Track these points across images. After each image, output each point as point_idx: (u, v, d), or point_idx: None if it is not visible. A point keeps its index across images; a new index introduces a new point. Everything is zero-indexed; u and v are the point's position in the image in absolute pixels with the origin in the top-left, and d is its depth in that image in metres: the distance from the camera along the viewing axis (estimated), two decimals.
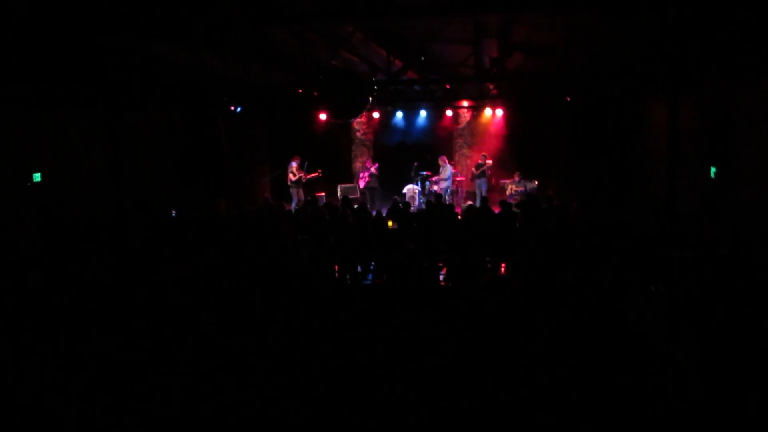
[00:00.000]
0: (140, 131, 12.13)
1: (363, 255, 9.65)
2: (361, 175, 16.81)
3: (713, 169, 10.18)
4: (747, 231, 8.77)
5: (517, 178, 15.91)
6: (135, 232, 10.08)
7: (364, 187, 16.56)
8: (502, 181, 16.41)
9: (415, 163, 16.41)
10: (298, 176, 15.56)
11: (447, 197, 16.17)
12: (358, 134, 18.56)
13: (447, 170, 15.94)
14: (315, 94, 9.71)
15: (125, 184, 11.32)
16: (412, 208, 14.70)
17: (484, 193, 15.41)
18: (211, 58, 10.52)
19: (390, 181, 17.03)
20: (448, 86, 12.87)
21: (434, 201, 12.77)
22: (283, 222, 10.13)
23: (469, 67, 12.18)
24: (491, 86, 15.20)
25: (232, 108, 14.20)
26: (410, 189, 16.30)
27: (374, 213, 11.47)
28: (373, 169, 16.57)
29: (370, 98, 10.20)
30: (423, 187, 16.35)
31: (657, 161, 12.20)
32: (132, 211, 11.09)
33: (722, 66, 9.44)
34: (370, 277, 9.47)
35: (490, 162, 16.33)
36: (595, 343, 4.55)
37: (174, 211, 11.31)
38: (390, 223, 11.95)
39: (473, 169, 16.51)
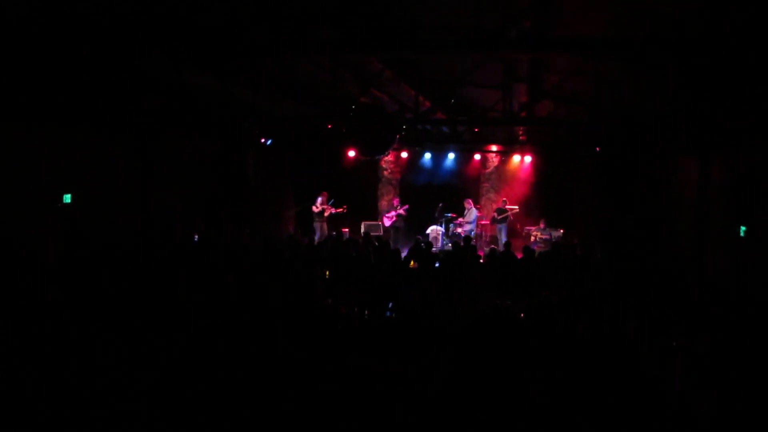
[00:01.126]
0: (171, 157, 12.36)
1: (381, 291, 9.58)
2: (389, 214, 16.81)
3: (743, 228, 9.95)
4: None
5: (542, 226, 15.76)
6: (157, 255, 10.18)
7: (390, 225, 16.56)
8: (527, 228, 16.27)
9: (440, 204, 16.39)
10: (321, 209, 15.66)
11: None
12: (385, 173, 18.68)
13: (472, 213, 15.90)
14: (343, 130, 9.80)
15: (153, 209, 11.50)
16: (434, 248, 14.68)
17: (504, 238, 15.28)
18: (243, 88, 10.76)
19: (414, 221, 17.01)
20: (476, 129, 12.90)
21: (463, 243, 12.69)
22: (302, 253, 10.13)
23: (497, 111, 12.21)
24: (520, 132, 15.22)
25: (263, 140, 14.44)
26: (434, 230, 16.25)
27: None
28: (401, 210, 16.59)
29: (398, 136, 10.23)
30: (447, 228, 16.28)
31: (687, 217, 11.98)
32: (156, 235, 11.23)
33: (754, 124, 9.32)
34: (387, 314, 9.39)
35: (512, 208, 16.24)
36: (606, 396, 4.38)
37: (196, 236, 11.40)
38: (411, 263, 11.91)
39: (494, 213, 16.45)
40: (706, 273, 10.86)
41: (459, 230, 16.01)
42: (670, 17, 6.21)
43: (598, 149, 13.62)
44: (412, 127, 14.55)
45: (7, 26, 6.44)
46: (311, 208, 15.76)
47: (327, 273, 9.96)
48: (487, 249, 14.61)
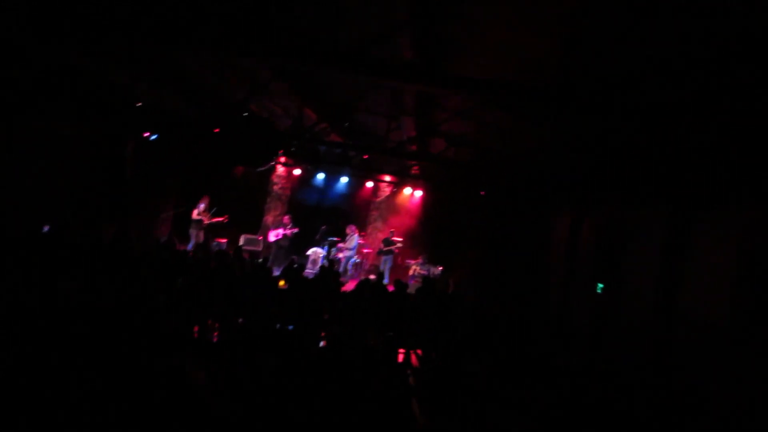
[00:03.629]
0: (37, 138, 11.34)
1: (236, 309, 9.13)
2: (276, 230, 16.27)
3: (600, 285, 10.41)
4: (624, 348, 8.88)
5: (421, 260, 15.85)
6: None
7: (274, 242, 16.05)
8: (408, 261, 16.32)
9: (323, 227, 16.13)
10: (200, 217, 14.92)
11: (350, 267, 15.90)
12: (275, 187, 18.18)
13: (353, 240, 15.74)
14: (216, 130, 9.33)
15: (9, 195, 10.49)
16: (308, 271, 14.35)
17: (387, 270, 15.22)
18: (126, 77, 10.08)
19: (300, 241, 16.61)
20: (366, 156, 12.81)
21: (327, 266, 12.44)
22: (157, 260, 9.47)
23: (392, 142, 12.20)
24: (412, 165, 15.32)
25: (147, 134, 13.61)
26: (315, 252, 15.93)
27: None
28: (289, 232, 16.13)
29: (281, 152, 9.91)
30: (329, 252, 16.02)
31: (557, 270, 12.44)
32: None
33: (619, 190, 9.83)
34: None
35: (399, 239, 16.27)
36: None
37: (46, 227, 10.40)
38: (281, 283, 11.53)
39: (381, 243, 16.39)
40: (567, 325, 11.26)
41: (340, 255, 15.80)
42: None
43: (483, 193, 13.93)
44: (305, 145, 14.29)
45: None
46: (190, 214, 14.98)
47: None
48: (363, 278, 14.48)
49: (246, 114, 9.56)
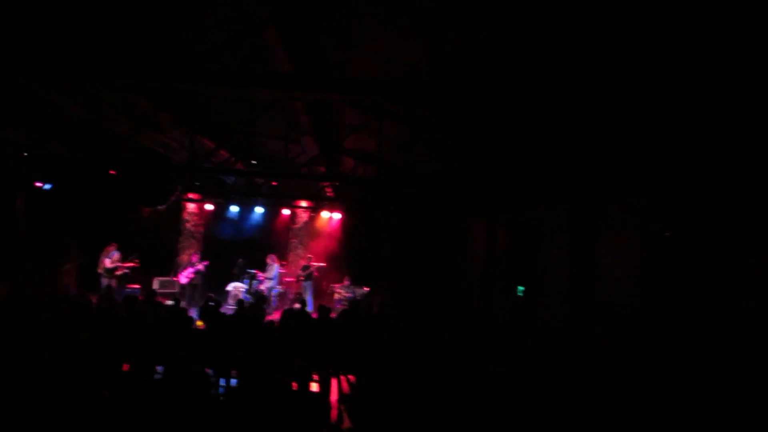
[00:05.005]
0: None
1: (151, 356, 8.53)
2: (185, 271, 15.59)
3: (521, 288, 10.42)
4: (544, 349, 8.86)
5: (346, 283, 15.56)
6: None
7: (187, 283, 15.35)
8: (332, 286, 15.98)
9: (239, 260, 15.60)
10: (114, 265, 14.10)
11: (274, 298, 15.42)
12: (187, 225, 17.47)
13: (273, 270, 15.28)
14: (111, 172, 8.79)
15: None
16: (228, 307, 13.81)
17: (309, 296, 14.84)
18: (7, 126, 9.37)
19: (218, 277, 15.97)
20: (274, 183, 12.47)
21: (252, 301, 11.99)
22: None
23: (299, 165, 11.92)
24: (326, 188, 15.09)
25: (39, 184, 12.76)
26: (235, 287, 15.35)
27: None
28: (200, 266, 15.52)
29: (179, 186, 9.44)
30: (250, 285, 15.46)
31: (478, 276, 12.42)
32: None
33: (529, 192, 9.92)
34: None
35: (316, 264, 15.94)
36: None
37: None
38: (199, 323, 10.99)
39: (300, 270, 16.01)
40: (490, 331, 11.20)
41: (262, 287, 15.28)
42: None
43: (392, 208, 13.83)
44: (207, 178, 13.80)
45: None
46: (102, 263, 14.11)
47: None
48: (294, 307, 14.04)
49: (136, 150, 9.03)
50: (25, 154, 11.05)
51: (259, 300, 12.65)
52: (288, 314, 11.43)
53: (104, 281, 14.11)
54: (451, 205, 13.08)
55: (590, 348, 7.86)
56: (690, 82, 4.61)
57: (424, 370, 8.52)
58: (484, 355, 9.72)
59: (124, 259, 14.20)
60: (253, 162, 11.63)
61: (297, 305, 14.60)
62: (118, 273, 14.18)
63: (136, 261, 14.45)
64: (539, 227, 10.12)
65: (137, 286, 14.68)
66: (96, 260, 14.20)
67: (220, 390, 7.79)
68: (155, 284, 14.97)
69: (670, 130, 5.78)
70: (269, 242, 17.25)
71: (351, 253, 16.91)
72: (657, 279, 7.04)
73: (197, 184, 13.03)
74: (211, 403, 6.37)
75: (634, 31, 4.27)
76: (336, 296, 15.41)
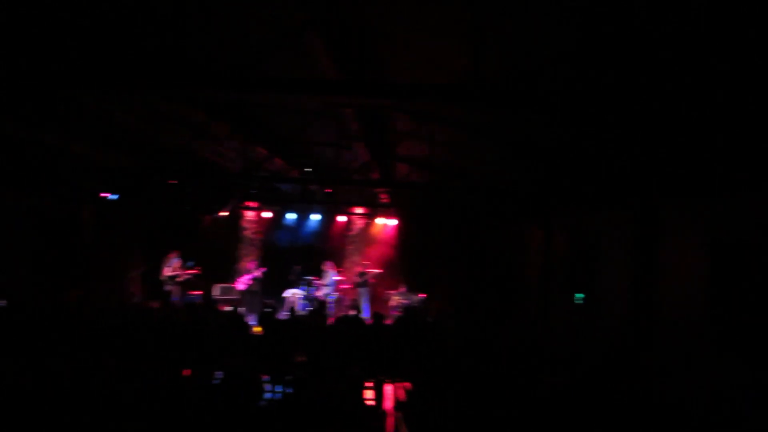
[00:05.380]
0: None
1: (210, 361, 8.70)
2: (243, 278, 15.89)
3: (579, 295, 10.11)
4: (603, 359, 8.52)
5: (402, 290, 15.48)
6: None
7: (245, 290, 15.64)
8: (388, 292, 15.92)
9: (296, 267, 15.74)
10: (175, 272, 14.53)
11: (330, 305, 15.51)
12: (246, 232, 17.80)
13: (330, 277, 15.37)
14: (170, 182, 9.05)
15: None
16: (282, 313, 13.96)
17: (365, 303, 14.85)
18: (73, 141, 9.81)
19: (276, 284, 16.20)
20: (328, 190, 12.56)
21: (317, 308, 12.13)
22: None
23: (353, 172, 11.95)
24: (381, 194, 15.09)
25: (105, 194, 13.27)
26: (292, 294, 15.51)
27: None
28: (257, 273, 15.79)
29: (236, 194, 9.62)
30: (307, 292, 15.59)
31: (535, 283, 12.14)
32: None
33: (588, 196, 9.60)
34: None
35: (372, 271, 15.92)
36: None
37: (3, 302, 9.97)
38: (257, 329, 11.15)
39: (356, 277, 16.03)
40: (547, 340, 10.89)
41: (319, 294, 15.38)
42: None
43: (447, 214, 13.68)
44: (263, 186, 14.02)
45: None
46: (163, 271, 14.57)
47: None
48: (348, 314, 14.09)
49: (194, 160, 9.27)
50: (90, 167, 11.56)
51: (321, 307, 12.76)
52: (342, 321, 11.48)
53: (167, 288, 14.55)
54: (506, 210, 12.82)
55: (653, 358, 7.51)
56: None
57: (479, 378, 8.35)
58: (541, 364, 9.45)
59: (183, 267, 14.58)
60: (307, 169, 11.74)
61: (352, 312, 14.67)
62: (180, 280, 14.58)
63: (197, 269, 14.82)
64: (598, 232, 9.79)
65: (199, 293, 15.04)
66: (159, 268, 14.67)
67: (275, 396, 7.83)
68: (216, 291, 15.33)
69: (738, 130, 5.46)
70: (326, 249, 17.37)
71: (407, 260, 16.81)
72: (726, 287, 6.65)
73: (253, 192, 13.27)
74: (265, 410, 6.43)
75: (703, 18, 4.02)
76: (392, 303, 15.35)
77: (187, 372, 8.20)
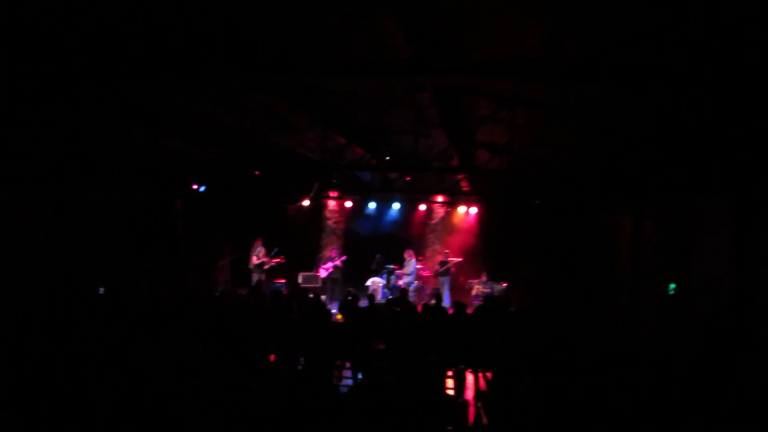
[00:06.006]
0: (90, 207, 11.79)
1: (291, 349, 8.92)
2: (325, 265, 16.20)
3: (672, 286, 9.58)
4: (699, 352, 8.04)
5: (484, 279, 15.27)
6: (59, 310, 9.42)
7: (326, 277, 15.93)
8: (470, 281, 15.74)
9: (377, 256, 15.83)
10: (261, 260, 15.01)
11: (411, 293, 15.51)
12: (329, 222, 18.11)
13: (411, 265, 15.35)
14: (256, 173, 9.32)
15: (66, 261, 10.88)
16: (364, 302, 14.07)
17: (446, 292, 14.74)
18: (165, 136, 10.30)
19: (355, 272, 16.40)
20: (408, 178, 12.52)
21: (398, 296, 12.18)
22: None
23: (431, 159, 11.86)
24: (462, 182, 14.90)
25: (195, 186, 13.84)
26: (374, 282, 15.66)
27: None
28: (338, 262, 16.05)
29: (316, 184, 9.78)
30: (388, 280, 15.69)
31: (623, 273, 11.63)
32: (63, 287, 10.51)
33: (682, 182, 9.07)
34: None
35: (453, 260, 15.76)
36: None
37: (102, 289, 10.62)
38: (339, 317, 11.32)
39: (437, 265, 15.93)
40: (638, 332, 10.40)
41: (400, 282, 15.43)
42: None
43: (536, 202, 13.30)
44: (349, 176, 14.17)
45: None
46: (251, 259, 15.10)
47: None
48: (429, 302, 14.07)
49: (276, 151, 9.49)
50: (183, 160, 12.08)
51: (402, 295, 12.78)
52: (423, 310, 11.44)
53: (255, 276, 15.05)
54: (593, 197, 12.31)
55: (754, 353, 7.00)
56: None
57: (564, 370, 8.09)
58: (630, 357, 9.04)
59: (268, 255, 15.02)
60: (387, 158, 11.75)
61: (433, 301, 14.62)
62: (266, 268, 15.04)
63: (282, 257, 15.22)
64: (693, 220, 9.22)
65: (283, 281, 15.47)
66: (247, 257, 15.20)
67: (356, 383, 7.92)
68: (299, 279, 15.70)
69: None
70: (406, 238, 17.39)
71: (488, 248, 16.55)
72: None
73: (334, 181, 13.44)
74: (346, 396, 6.50)
75: None
76: (473, 292, 15.17)
77: (272, 357, 8.46)
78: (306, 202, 15.55)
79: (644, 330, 10.44)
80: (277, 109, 8.27)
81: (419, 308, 12.83)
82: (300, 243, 17.08)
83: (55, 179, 10.70)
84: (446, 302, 14.07)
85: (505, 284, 15.22)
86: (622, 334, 10.66)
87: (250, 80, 5.76)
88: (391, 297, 14.01)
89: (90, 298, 10.24)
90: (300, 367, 7.65)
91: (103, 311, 9.36)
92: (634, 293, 10.75)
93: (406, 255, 15.60)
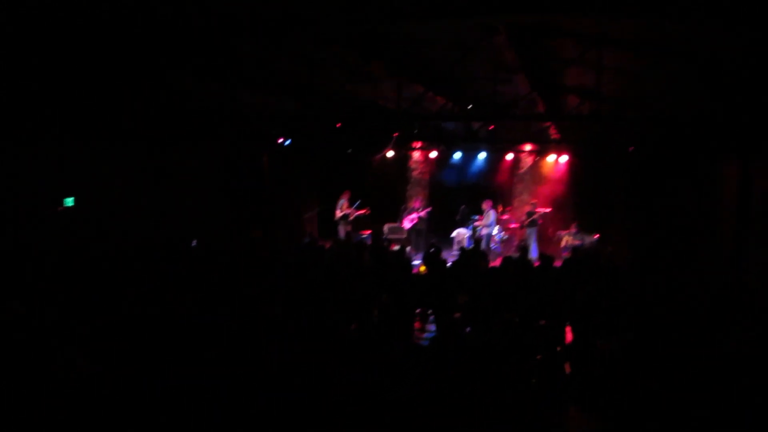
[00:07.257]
0: (184, 161, 12.27)
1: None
2: (409, 216, 16.14)
3: None
4: None
5: (573, 230, 14.68)
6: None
7: (411, 228, 15.90)
8: (559, 232, 15.19)
9: (462, 207, 15.56)
10: (344, 212, 15.18)
11: (497, 245, 15.23)
12: (414, 173, 17.96)
13: (490, 216, 14.99)
14: (338, 125, 9.35)
15: (160, 214, 11.43)
16: (453, 252, 13.96)
17: (534, 243, 14.33)
18: (244, 90, 10.46)
19: (444, 223, 16.25)
20: (491, 127, 12.07)
21: (470, 248, 11.94)
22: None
23: (515, 106, 11.34)
24: (550, 129, 14.24)
25: (281, 140, 14.06)
26: (459, 233, 15.48)
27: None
28: (423, 213, 15.95)
29: (395, 135, 9.66)
30: (474, 231, 15.45)
31: (727, 227, 10.77)
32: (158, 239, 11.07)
33: None
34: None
35: (541, 210, 15.24)
36: None
37: (194, 241, 11.09)
38: (423, 268, 11.29)
39: (524, 216, 15.47)
40: (742, 295, 9.64)
41: (483, 233, 15.14)
42: None
43: (631, 149, 12.48)
44: (431, 125, 13.89)
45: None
46: (335, 212, 15.31)
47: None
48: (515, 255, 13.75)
49: (355, 102, 9.42)
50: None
51: (476, 246, 12.55)
52: (507, 262, 11.15)
53: (341, 229, 15.27)
54: (693, 145, 11.37)
55: None
56: None
57: (656, 328, 7.66)
58: (731, 317, 8.41)
59: (351, 207, 15.15)
60: (469, 107, 11.35)
61: (518, 253, 14.26)
62: (350, 219, 15.19)
63: (366, 209, 15.30)
64: None
65: (368, 232, 15.58)
66: (333, 209, 15.41)
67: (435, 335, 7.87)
68: (385, 230, 15.76)
69: None
70: (493, 188, 16.97)
71: (579, 199, 15.84)
72: None
73: (415, 131, 13.21)
74: (424, 349, 6.47)
75: None
76: (562, 243, 14.67)
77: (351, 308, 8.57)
78: (390, 153, 15.46)
79: (749, 292, 9.69)
80: (353, 61, 8.13)
81: (499, 260, 12.56)
82: (386, 194, 17.10)
83: (150, 137, 11.15)
84: (534, 254, 13.68)
85: (596, 236, 14.58)
86: (725, 293, 9.94)
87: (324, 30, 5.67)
88: (469, 248, 13.79)
89: (184, 251, 10.75)
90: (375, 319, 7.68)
91: (195, 262, 9.81)
92: (739, 250, 9.94)
93: (484, 206, 15.22)
